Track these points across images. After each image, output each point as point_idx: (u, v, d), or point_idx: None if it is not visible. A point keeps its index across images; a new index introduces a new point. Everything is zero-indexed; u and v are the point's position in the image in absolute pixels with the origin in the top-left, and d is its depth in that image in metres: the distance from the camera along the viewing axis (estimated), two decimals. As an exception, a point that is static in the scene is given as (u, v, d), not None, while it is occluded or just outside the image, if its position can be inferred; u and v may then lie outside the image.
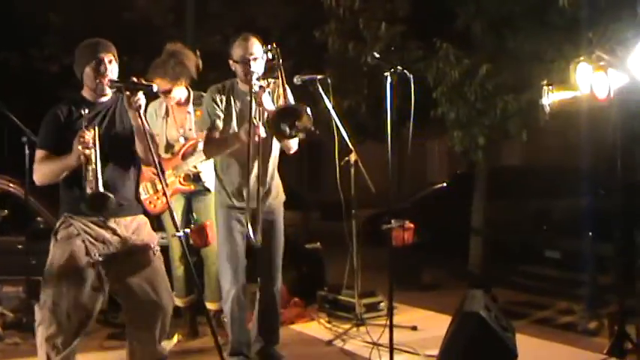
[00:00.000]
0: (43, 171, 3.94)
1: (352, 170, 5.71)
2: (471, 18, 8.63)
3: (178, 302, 5.80)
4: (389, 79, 4.73)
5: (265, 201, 4.99)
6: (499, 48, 8.65)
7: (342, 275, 6.65)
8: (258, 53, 4.84)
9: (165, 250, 5.88)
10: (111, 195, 3.82)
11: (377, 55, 4.87)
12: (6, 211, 6.61)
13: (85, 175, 3.82)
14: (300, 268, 7.23)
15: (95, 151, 3.83)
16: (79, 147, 3.79)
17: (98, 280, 3.92)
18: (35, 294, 6.38)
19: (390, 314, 4.86)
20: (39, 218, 7.34)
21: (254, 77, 4.72)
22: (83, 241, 3.92)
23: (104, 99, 4.07)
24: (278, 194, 5.16)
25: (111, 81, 3.99)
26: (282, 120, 4.42)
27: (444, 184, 14.67)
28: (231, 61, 4.93)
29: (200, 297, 5.57)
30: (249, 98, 4.70)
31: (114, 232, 3.99)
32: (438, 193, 14.23)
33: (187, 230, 5.23)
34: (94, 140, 3.85)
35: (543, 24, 8.13)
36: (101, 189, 3.79)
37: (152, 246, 4.11)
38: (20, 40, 12.02)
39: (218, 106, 4.94)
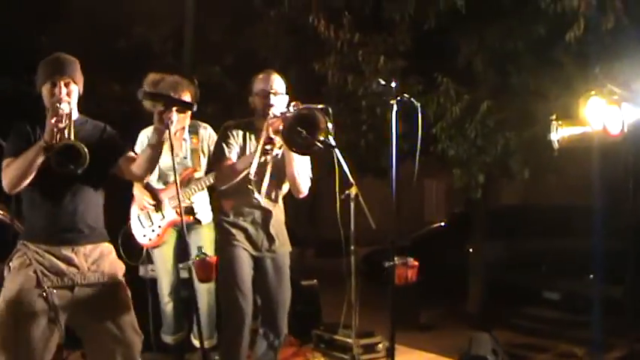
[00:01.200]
0: (11, 170, 3.64)
1: (352, 205, 5.53)
2: (473, 53, 8.55)
3: (167, 339, 5.59)
4: (394, 108, 4.57)
5: (272, 248, 4.81)
6: (502, 84, 8.59)
7: (339, 314, 6.44)
8: (279, 89, 4.71)
9: (153, 283, 5.74)
10: (85, 150, 3.55)
11: (382, 82, 4.69)
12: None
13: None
14: (295, 306, 7.01)
15: (70, 127, 3.63)
16: (52, 120, 3.58)
17: (53, 314, 3.61)
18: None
19: (391, 356, 4.64)
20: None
21: (272, 110, 4.58)
22: (35, 272, 3.62)
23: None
24: (284, 243, 4.94)
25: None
26: (298, 130, 4.26)
27: (442, 223, 14.65)
28: (250, 98, 4.79)
29: (189, 334, 5.36)
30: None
31: (69, 262, 3.70)
32: (436, 232, 14.22)
33: (191, 262, 4.98)
34: (69, 116, 3.67)
35: (548, 60, 8.04)
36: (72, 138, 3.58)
37: (116, 276, 3.84)
38: (12, 65, 11.96)
39: (234, 137, 4.74)
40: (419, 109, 4.45)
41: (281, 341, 4.99)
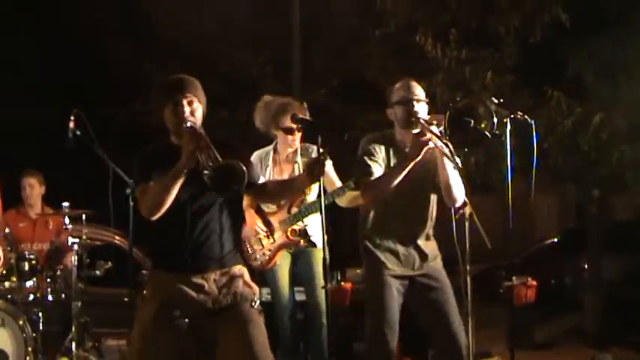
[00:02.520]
0: (150, 197, 3.59)
1: (467, 224, 5.50)
2: (582, 64, 8.39)
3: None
4: (508, 126, 4.46)
5: (423, 265, 4.64)
6: (613, 95, 8.37)
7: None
8: (421, 95, 4.56)
9: (269, 306, 5.83)
10: (242, 167, 3.39)
11: (495, 101, 4.62)
12: (110, 263, 6.58)
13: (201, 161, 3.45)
14: (409, 326, 7.01)
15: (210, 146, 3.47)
16: (190, 147, 3.48)
17: (183, 343, 3.63)
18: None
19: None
20: (143, 271, 7.41)
21: (419, 117, 4.41)
22: (165, 301, 3.65)
23: None
24: (436, 256, 4.75)
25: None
26: (465, 120, 4.16)
27: (555, 240, 14.38)
28: (389, 110, 4.62)
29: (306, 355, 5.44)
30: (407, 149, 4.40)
31: (200, 289, 3.66)
32: (549, 249, 13.97)
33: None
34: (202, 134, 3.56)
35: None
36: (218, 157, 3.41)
37: (249, 299, 3.76)
38: (124, 95, 12.38)
39: (377, 152, 4.54)
40: (533, 126, 4.32)
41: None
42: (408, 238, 4.60)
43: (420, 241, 4.62)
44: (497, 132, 4.20)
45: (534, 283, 4.53)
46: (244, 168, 3.40)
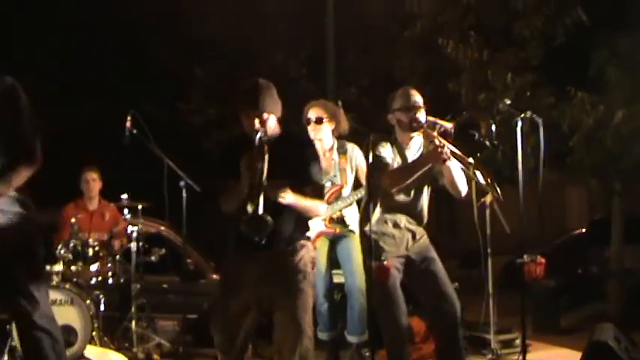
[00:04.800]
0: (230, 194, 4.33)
1: (488, 212, 5.96)
2: (605, 61, 8.73)
3: (323, 336, 6.13)
4: (519, 125, 4.87)
5: (414, 245, 5.14)
6: (633, 91, 8.72)
7: (479, 316, 6.81)
8: (421, 103, 5.00)
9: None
10: (269, 219, 3.94)
11: (508, 102, 5.09)
12: (164, 250, 7.09)
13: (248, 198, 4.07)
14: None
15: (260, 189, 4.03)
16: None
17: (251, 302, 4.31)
18: (189, 330, 6.98)
19: (522, 350, 5.02)
20: (189, 260, 7.95)
21: (421, 123, 4.90)
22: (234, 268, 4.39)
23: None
24: (423, 235, 5.22)
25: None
26: (470, 133, 4.62)
27: (583, 230, 14.69)
28: (390, 115, 5.08)
29: (343, 331, 5.96)
30: (407, 153, 5.00)
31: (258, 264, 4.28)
32: (577, 239, 14.28)
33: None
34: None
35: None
36: (260, 211, 3.94)
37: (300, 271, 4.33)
38: (168, 94, 12.92)
39: (384, 149, 5.01)
40: (540, 125, 4.71)
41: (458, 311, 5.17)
42: (406, 224, 5.12)
43: (413, 226, 5.14)
44: (495, 142, 4.70)
45: (543, 260, 4.97)
46: (270, 222, 3.95)
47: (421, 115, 4.98)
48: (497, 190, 5.05)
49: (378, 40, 11.99)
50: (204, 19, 11.95)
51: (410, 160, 5.06)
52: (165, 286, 8.24)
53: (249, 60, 12.55)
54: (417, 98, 5.04)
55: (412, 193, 5.10)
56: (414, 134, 5.03)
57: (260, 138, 4.15)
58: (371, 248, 4.70)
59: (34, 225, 4.31)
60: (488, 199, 5.73)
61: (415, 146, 5.13)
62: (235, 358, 4.38)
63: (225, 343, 4.39)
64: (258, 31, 12.12)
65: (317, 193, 4.40)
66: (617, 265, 10.65)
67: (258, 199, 3.99)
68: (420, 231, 5.21)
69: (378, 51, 11.99)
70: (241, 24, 12.17)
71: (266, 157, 4.08)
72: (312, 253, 4.51)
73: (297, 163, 4.31)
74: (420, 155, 5.02)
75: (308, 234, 5.71)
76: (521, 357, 4.97)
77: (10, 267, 4.17)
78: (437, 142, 4.74)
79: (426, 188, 5.19)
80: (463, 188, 5.03)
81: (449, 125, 4.83)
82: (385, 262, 4.96)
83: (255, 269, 4.29)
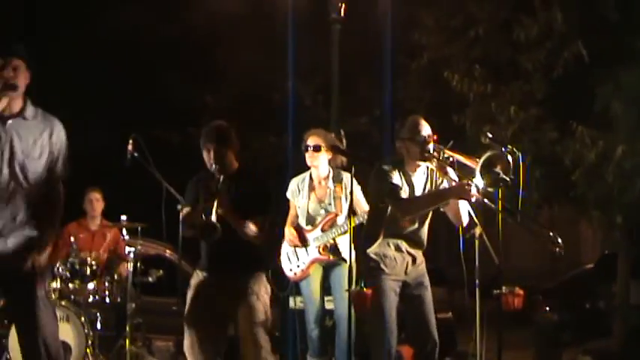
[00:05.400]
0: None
1: (477, 243, 6.02)
2: (609, 96, 8.75)
3: (313, 362, 6.31)
4: (509, 158, 4.83)
5: (413, 269, 5.26)
6: (636, 126, 8.69)
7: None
8: (430, 133, 5.13)
9: (301, 312, 6.48)
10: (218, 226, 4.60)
11: (490, 135, 5.20)
12: (161, 271, 7.25)
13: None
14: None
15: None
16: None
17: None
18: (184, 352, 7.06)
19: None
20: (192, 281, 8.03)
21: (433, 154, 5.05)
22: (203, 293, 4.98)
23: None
24: (422, 261, 5.34)
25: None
26: (494, 170, 4.75)
27: (591, 265, 14.64)
28: (399, 142, 5.21)
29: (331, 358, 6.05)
30: (414, 180, 5.13)
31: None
32: (586, 274, 14.23)
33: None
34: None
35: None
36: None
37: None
38: (180, 120, 13.06)
39: (395, 175, 5.12)
40: (519, 158, 4.75)
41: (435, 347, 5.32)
42: (407, 248, 5.22)
43: (413, 250, 5.25)
44: (512, 176, 4.78)
45: (521, 292, 5.02)
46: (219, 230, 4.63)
47: (431, 146, 5.10)
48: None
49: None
50: (218, 47, 12.11)
51: (417, 187, 5.17)
52: (164, 307, 8.31)
53: (261, 87, 12.73)
54: (428, 129, 5.15)
55: (417, 220, 5.20)
56: (423, 163, 5.16)
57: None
58: (366, 270, 4.98)
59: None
60: (478, 230, 5.80)
61: (420, 173, 5.23)
62: None
63: None
64: (271, 59, 12.22)
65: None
66: (622, 301, 10.61)
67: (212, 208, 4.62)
68: (420, 256, 5.32)
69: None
70: (254, 51, 12.32)
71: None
72: None
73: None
74: (446, 188, 5.13)
75: (303, 260, 5.92)
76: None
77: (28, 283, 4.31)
78: (454, 176, 4.97)
79: (429, 217, 5.30)
80: (465, 217, 5.18)
81: (472, 164, 4.92)
82: (365, 289, 5.05)
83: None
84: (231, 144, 5.02)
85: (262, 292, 4.94)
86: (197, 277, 5.03)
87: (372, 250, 5.15)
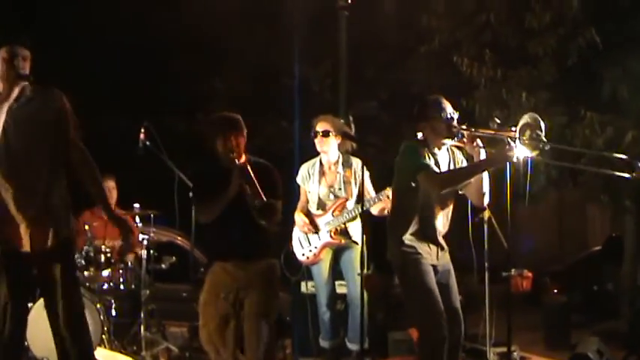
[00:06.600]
0: (205, 206, 5.21)
1: (485, 227, 6.09)
2: (617, 81, 8.78)
3: (325, 344, 6.40)
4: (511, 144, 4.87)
5: (441, 256, 5.23)
6: (644, 111, 8.74)
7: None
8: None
9: (312, 297, 6.57)
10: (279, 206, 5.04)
11: (498, 121, 5.24)
12: (174, 257, 7.35)
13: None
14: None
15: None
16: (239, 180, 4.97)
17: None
18: (197, 337, 7.15)
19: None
20: (202, 269, 8.12)
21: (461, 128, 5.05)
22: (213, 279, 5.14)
23: None
24: (446, 248, 5.30)
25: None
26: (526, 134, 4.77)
27: (598, 248, 14.70)
28: (423, 123, 5.15)
29: (344, 339, 6.14)
30: (439, 159, 5.12)
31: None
32: (594, 256, 14.28)
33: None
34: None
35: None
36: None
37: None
38: (186, 106, 13.13)
39: (424, 154, 5.09)
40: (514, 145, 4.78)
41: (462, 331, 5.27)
42: (436, 235, 5.20)
43: (440, 238, 5.24)
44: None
45: (530, 274, 5.08)
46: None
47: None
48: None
49: (397, 55, 12.06)
50: (228, 31, 12.11)
51: (442, 166, 5.16)
52: (176, 294, 8.43)
53: (271, 72, 12.75)
54: (451, 107, 5.17)
55: (442, 205, 5.16)
56: (448, 141, 5.15)
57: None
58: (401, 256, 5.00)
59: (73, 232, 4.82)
60: (486, 214, 5.86)
61: (444, 151, 5.23)
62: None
63: None
64: (279, 44, 12.23)
65: None
66: (629, 283, 10.66)
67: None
68: (444, 243, 5.31)
69: (396, 65, 12.07)
70: (263, 36, 12.36)
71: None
72: None
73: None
74: (483, 159, 5.05)
75: (315, 245, 5.99)
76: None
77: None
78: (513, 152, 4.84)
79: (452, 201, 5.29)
80: (487, 198, 5.18)
81: (508, 134, 4.89)
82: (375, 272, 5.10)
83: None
84: (245, 133, 5.21)
85: (274, 279, 5.14)
86: (213, 266, 5.17)
87: (406, 237, 5.11)
